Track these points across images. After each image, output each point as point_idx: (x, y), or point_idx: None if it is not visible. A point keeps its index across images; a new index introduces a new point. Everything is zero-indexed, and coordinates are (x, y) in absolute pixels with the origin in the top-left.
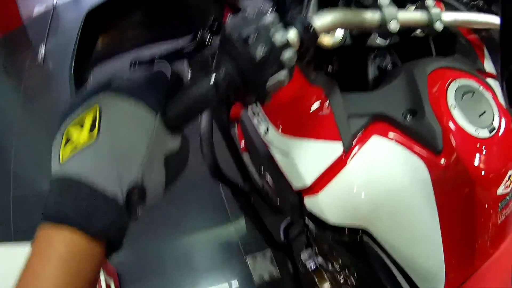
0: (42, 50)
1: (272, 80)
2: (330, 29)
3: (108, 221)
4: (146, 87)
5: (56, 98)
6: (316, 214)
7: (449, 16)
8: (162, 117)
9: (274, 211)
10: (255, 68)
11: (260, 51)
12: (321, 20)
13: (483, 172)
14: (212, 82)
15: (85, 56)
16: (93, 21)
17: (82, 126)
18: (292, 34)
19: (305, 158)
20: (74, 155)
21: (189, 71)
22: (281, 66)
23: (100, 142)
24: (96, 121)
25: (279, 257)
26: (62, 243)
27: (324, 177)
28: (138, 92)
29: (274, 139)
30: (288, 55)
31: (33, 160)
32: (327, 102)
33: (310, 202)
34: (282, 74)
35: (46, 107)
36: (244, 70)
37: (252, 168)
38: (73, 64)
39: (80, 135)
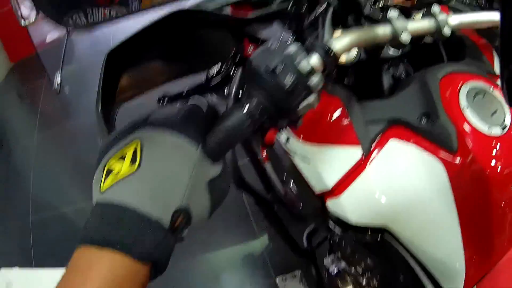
0: (58, 77)
1: (302, 105)
2: (348, 50)
3: (153, 244)
4: (185, 120)
5: (73, 124)
6: (339, 215)
7: (455, 20)
8: (203, 148)
9: (297, 219)
10: (285, 96)
11: (288, 80)
12: (340, 42)
13: (498, 169)
14: (245, 112)
15: (110, 95)
16: (114, 60)
17: (123, 159)
18: (315, 60)
19: (326, 163)
20: (116, 182)
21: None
22: (309, 91)
23: (143, 172)
24: (137, 155)
25: (308, 278)
26: (105, 266)
27: (345, 180)
28: (178, 126)
29: (296, 147)
30: (315, 80)
31: (51, 185)
32: (345, 110)
33: (332, 204)
34: (312, 98)
35: (64, 133)
36: (275, 99)
37: (274, 177)
38: (100, 104)
39: (121, 166)
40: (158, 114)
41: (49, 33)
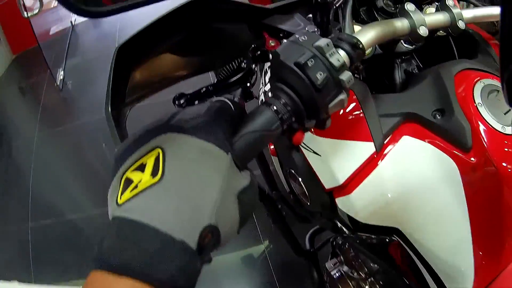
0: (60, 73)
1: (333, 103)
2: (374, 44)
3: (176, 269)
4: (213, 123)
5: (76, 123)
6: (349, 213)
7: (469, 13)
8: (232, 155)
9: (301, 219)
10: (316, 93)
11: (320, 76)
12: (366, 36)
13: (509, 169)
14: (274, 112)
15: (120, 94)
16: (125, 56)
17: (143, 170)
18: (345, 54)
19: (337, 158)
20: (135, 195)
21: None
22: (341, 88)
23: (166, 184)
24: (159, 164)
25: None
26: None
27: (356, 177)
28: (205, 131)
29: (306, 140)
30: (346, 76)
31: (51, 186)
32: (359, 103)
33: (342, 202)
34: (343, 96)
35: (66, 132)
36: (305, 96)
37: (280, 173)
38: (109, 103)
39: (142, 177)
40: (182, 116)
41: (52, 25)
